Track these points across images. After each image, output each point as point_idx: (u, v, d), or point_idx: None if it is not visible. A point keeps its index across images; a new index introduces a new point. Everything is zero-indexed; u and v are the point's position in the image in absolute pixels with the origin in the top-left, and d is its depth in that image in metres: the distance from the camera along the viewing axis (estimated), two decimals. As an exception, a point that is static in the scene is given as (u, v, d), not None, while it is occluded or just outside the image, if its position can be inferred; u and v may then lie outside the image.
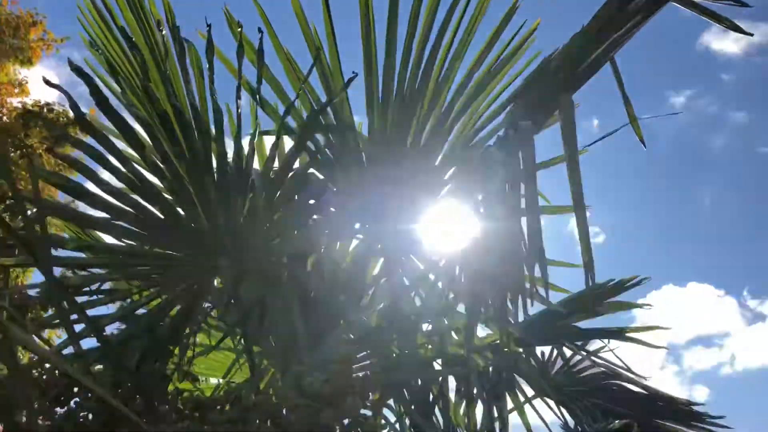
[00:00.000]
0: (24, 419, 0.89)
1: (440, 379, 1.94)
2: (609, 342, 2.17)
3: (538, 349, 2.26)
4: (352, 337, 1.41)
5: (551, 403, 2.09)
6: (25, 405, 0.80)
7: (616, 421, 1.47)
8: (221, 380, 1.86)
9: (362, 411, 1.14)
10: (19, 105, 7.07)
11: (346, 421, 1.16)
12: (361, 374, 1.15)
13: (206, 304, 1.69)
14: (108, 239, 1.53)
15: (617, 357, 1.94)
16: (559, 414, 1.77)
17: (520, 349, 1.88)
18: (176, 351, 1.47)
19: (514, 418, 2.09)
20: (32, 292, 1.48)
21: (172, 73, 1.28)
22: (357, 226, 1.62)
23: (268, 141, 1.59)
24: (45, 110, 6.78)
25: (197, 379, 1.80)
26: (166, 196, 1.36)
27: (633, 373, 1.91)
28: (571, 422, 1.87)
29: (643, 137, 1.34)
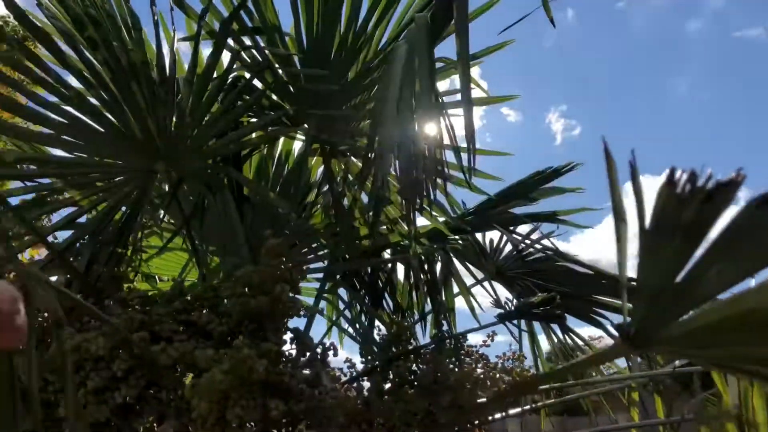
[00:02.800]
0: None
1: (389, 267, 2.06)
2: (558, 227, 2.30)
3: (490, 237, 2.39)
4: (287, 233, 1.49)
5: (496, 285, 2.24)
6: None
7: (539, 294, 1.59)
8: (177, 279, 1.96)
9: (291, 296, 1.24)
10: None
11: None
12: (290, 264, 1.24)
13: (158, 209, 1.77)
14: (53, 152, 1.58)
15: (550, 241, 2.07)
16: (492, 294, 1.89)
17: (456, 236, 1.99)
18: (129, 253, 1.56)
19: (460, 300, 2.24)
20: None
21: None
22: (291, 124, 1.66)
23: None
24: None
25: (153, 278, 1.90)
26: (97, 104, 1.39)
27: (563, 254, 2.03)
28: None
29: (552, 17, 1.39)
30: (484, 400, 1.62)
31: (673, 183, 0.53)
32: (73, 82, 1.37)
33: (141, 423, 1.38)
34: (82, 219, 1.51)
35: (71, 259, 1.44)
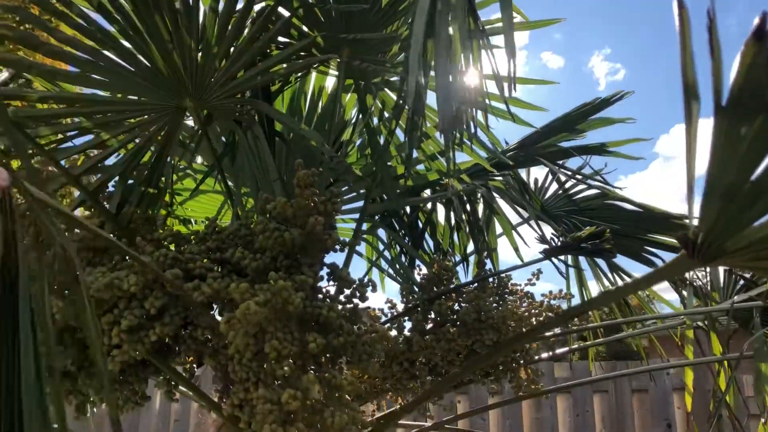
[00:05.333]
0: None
1: (429, 206, 1.99)
2: (606, 165, 2.19)
3: (536, 175, 2.30)
4: (321, 170, 1.43)
5: (542, 225, 2.15)
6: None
7: (587, 227, 1.50)
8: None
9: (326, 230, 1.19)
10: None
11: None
12: (323, 197, 1.18)
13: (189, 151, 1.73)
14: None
15: (601, 177, 1.96)
16: (539, 231, 1.81)
17: (498, 173, 1.91)
18: (161, 194, 1.52)
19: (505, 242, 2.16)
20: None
21: None
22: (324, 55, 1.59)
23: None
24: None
25: (189, 221, 1.87)
26: (121, 39, 1.34)
27: (610, 190, 1.93)
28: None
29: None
30: (522, 330, 1.56)
31: (763, 36, 0.43)
32: (95, 16, 1.32)
33: (179, 362, 1.37)
34: (111, 160, 1.48)
35: (102, 200, 1.41)
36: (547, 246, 1.62)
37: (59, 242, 0.82)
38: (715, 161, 0.50)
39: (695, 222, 0.57)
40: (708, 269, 2.00)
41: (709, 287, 1.98)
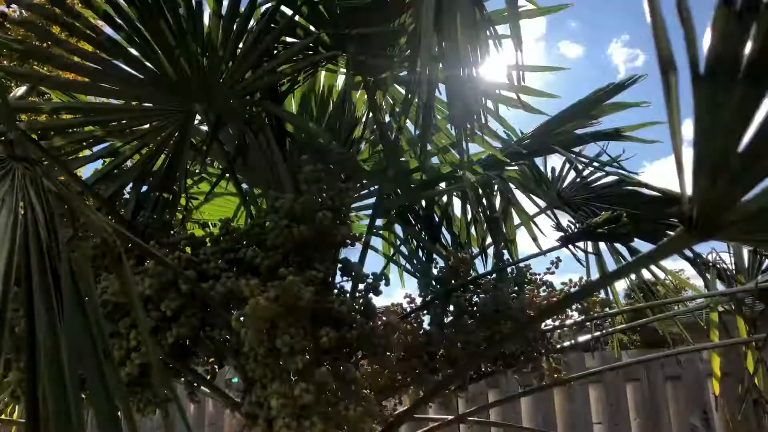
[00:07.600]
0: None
1: (444, 200, 1.98)
2: (624, 151, 2.16)
3: (553, 164, 2.28)
4: (332, 167, 1.44)
5: (560, 214, 2.13)
6: None
7: (603, 213, 1.49)
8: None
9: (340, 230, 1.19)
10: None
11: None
12: (330, 194, 1.19)
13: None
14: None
15: (618, 163, 1.92)
16: (554, 220, 1.79)
17: (513, 163, 1.89)
18: (177, 199, 1.54)
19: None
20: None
21: None
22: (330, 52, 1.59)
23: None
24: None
25: (207, 224, 1.89)
26: (128, 47, 1.36)
27: (627, 175, 1.89)
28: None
29: None
30: (542, 322, 1.54)
31: (731, 3, 0.42)
32: (103, 26, 1.34)
33: (197, 363, 1.38)
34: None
35: (118, 207, 1.43)
36: (562, 234, 1.60)
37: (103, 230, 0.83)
38: (699, 133, 0.49)
39: (689, 197, 0.56)
40: (732, 250, 1.96)
41: (734, 269, 1.94)
